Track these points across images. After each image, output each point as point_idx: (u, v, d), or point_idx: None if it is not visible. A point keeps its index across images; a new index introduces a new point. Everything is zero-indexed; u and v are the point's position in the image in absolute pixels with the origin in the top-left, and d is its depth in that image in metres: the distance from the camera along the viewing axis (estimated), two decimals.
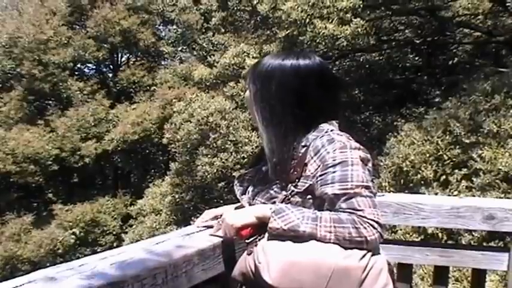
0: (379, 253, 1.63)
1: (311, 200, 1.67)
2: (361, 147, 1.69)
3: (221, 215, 1.82)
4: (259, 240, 1.64)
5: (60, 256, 19.52)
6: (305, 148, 1.70)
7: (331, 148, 1.65)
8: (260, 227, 1.65)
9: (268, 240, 1.61)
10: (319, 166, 1.65)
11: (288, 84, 1.73)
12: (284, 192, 1.70)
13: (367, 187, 1.61)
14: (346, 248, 1.56)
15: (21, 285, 1.25)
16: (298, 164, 1.69)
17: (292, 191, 1.68)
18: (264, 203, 1.73)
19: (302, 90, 1.73)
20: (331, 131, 1.72)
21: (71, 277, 1.30)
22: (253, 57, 11.99)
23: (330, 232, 1.55)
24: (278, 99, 1.73)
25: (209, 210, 2.02)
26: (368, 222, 1.55)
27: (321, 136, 1.70)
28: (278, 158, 1.73)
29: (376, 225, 1.56)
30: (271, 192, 1.73)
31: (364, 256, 1.56)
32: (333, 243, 1.56)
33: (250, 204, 1.79)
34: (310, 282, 1.53)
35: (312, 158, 1.67)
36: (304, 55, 1.79)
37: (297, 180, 1.68)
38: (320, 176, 1.64)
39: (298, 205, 1.66)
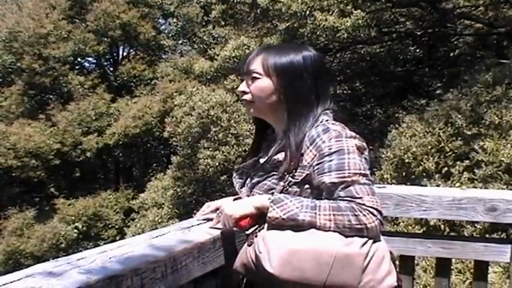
0: (380, 240, 1.62)
1: (309, 190, 1.68)
2: (357, 135, 1.70)
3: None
4: (260, 231, 1.63)
5: (62, 250, 19.54)
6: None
7: (327, 137, 1.66)
8: (259, 217, 1.65)
9: (268, 230, 1.61)
10: (315, 156, 1.66)
11: (318, 74, 1.80)
12: (282, 183, 1.70)
13: (364, 175, 1.62)
14: (346, 236, 1.55)
15: (19, 280, 1.24)
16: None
17: (290, 181, 1.69)
18: (261, 194, 1.73)
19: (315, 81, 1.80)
20: (326, 121, 1.73)
21: (69, 271, 1.29)
22: None
23: (330, 220, 1.55)
24: (306, 90, 1.77)
25: (209, 203, 2.02)
26: (367, 210, 1.55)
27: (316, 126, 1.71)
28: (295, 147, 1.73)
29: (375, 212, 1.56)
30: (269, 183, 1.74)
31: (365, 243, 1.57)
32: (333, 231, 1.56)
33: (248, 197, 1.79)
34: (312, 270, 1.53)
35: (307, 147, 1.68)
36: (306, 47, 1.87)
37: (294, 170, 1.69)
38: (317, 165, 1.65)
39: (296, 195, 1.67)
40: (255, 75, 1.80)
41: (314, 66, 1.78)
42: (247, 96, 1.83)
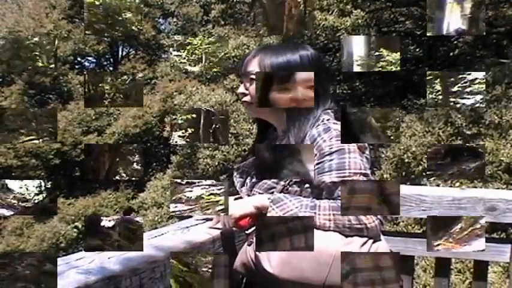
0: (380, 240, 1.62)
1: (309, 189, 1.67)
2: None
3: None
4: None
5: (62, 250, 19.50)
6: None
7: (328, 136, 1.65)
8: (259, 217, 1.64)
9: None
10: (316, 155, 1.64)
11: (317, 73, 1.77)
12: (282, 182, 1.69)
13: (365, 174, 1.62)
14: (346, 236, 1.55)
15: None
16: None
17: (290, 180, 1.68)
18: (261, 193, 1.72)
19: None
20: (327, 120, 1.72)
21: (68, 271, 1.29)
22: None
23: (329, 220, 1.55)
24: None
25: None
26: None
27: (316, 125, 1.70)
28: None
29: None
30: (269, 182, 1.73)
31: (365, 243, 1.57)
32: (333, 231, 1.55)
33: (248, 196, 1.78)
34: (311, 270, 1.52)
35: None
36: (303, 46, 1.85)
37: None
38: (317, 164, 1.64)
39: (296, 194, 1.67)
40: (252, 76, 1.79)
41: (312, 65, 1.77)
42: (246, 98, 1.83)
